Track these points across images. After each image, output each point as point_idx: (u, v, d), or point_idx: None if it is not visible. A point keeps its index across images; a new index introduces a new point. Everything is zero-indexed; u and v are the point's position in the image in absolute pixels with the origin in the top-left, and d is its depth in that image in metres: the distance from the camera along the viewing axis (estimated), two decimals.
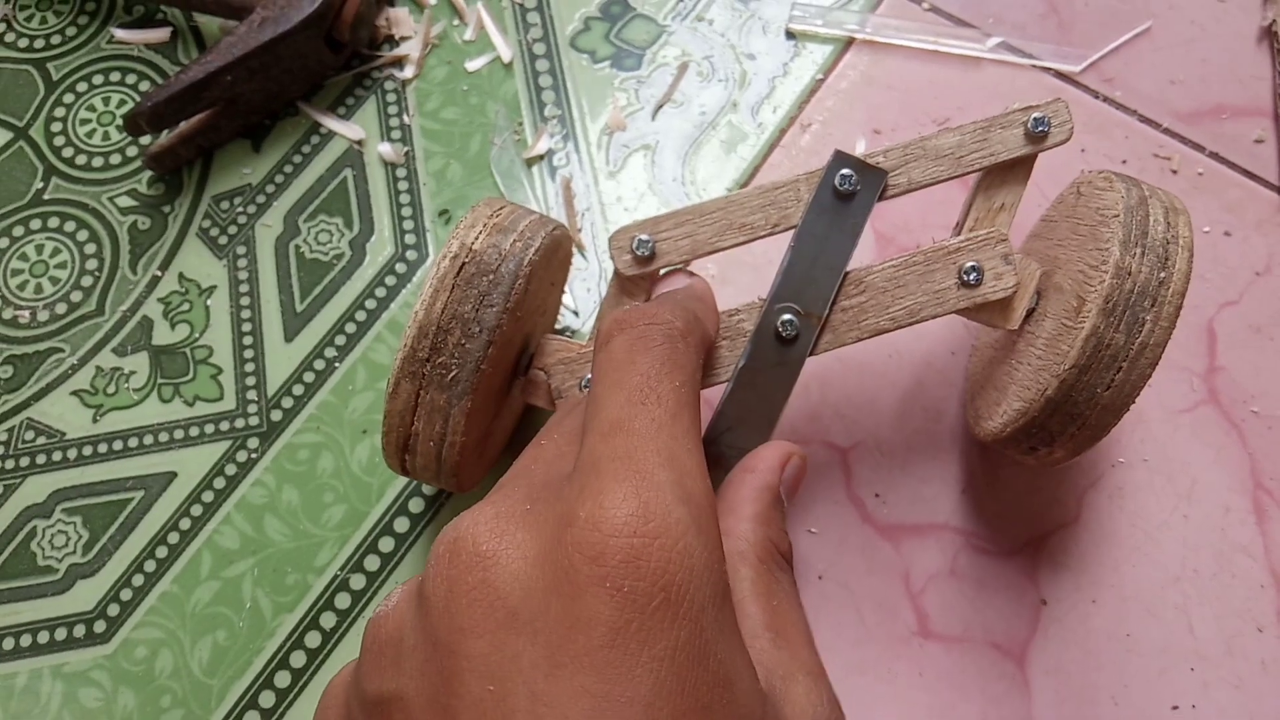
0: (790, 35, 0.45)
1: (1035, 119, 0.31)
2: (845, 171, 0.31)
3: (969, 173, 0.32)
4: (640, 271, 0.32)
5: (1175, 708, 0.35)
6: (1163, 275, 0.28)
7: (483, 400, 0.30)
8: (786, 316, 0.30)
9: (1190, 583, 0.36)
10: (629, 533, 0.20)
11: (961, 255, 0.31)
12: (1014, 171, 0.32)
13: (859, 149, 0.43)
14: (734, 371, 0.31)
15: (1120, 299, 0.28)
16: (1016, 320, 0.32)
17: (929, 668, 0.35)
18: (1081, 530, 0.37)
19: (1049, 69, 0.44)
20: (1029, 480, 0.37)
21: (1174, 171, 0.41)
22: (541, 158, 0.43)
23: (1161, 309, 0.28)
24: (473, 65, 0.45)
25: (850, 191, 0.31)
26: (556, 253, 0.33)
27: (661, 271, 0.32)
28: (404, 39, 0.46)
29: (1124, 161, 0.42)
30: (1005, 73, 0.44)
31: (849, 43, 0.45)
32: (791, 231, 0.32)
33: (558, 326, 0.40)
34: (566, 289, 0.41)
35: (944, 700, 0.35)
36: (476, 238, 0.30)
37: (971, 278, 0.30)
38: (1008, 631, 0.36)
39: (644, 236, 0.32)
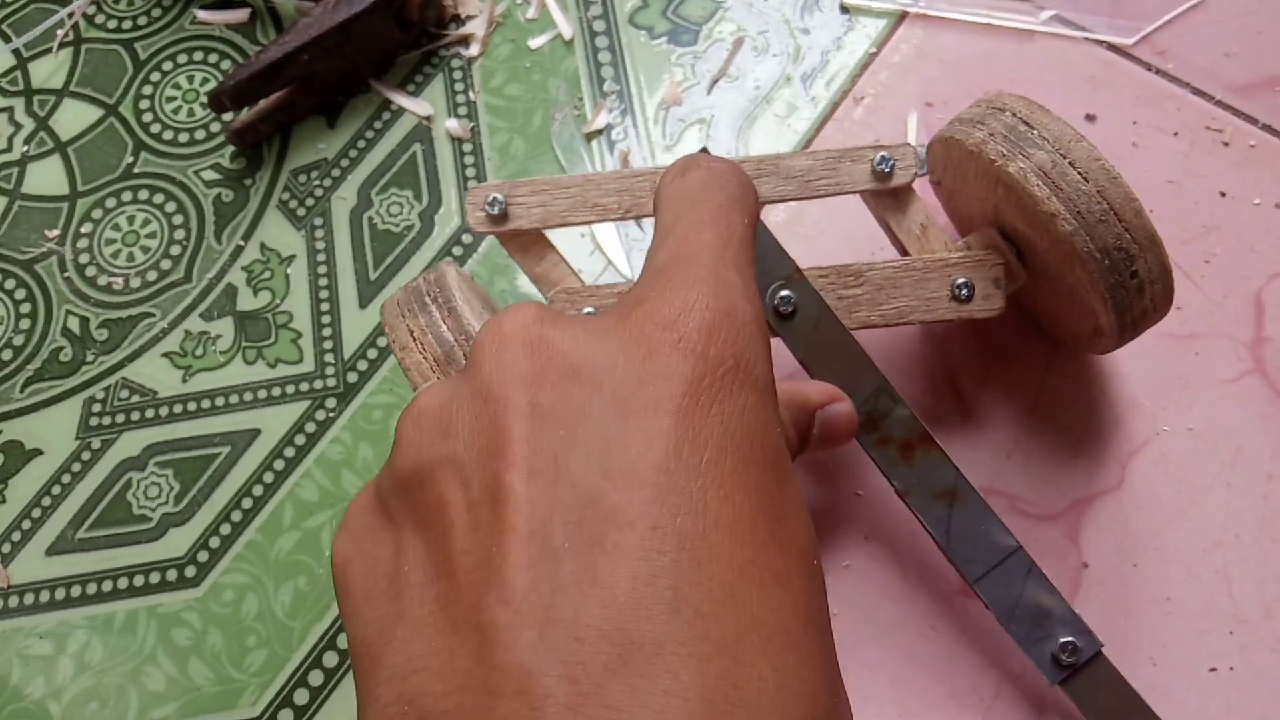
0: (844, 9, 0.46)
1: (881, 157, 0.33)
2: None
3: (815, 197, 0.33)
4: (490, 230, 0.33)
5: (1213, 669, 0.36)
6: (1005, 114, 0.33)
7: None
8: (782, 293, 0.32)
9: (1231, 548, 0.37)
10: (702, 307, 0.20)
11: (957, 270, 0.32)
12: (901, 199, 0.34)
13: (911, 122, 0.43)
14: None
15: (1005, 145, 0.32)
16: (1021, 272, 0.34)
17: (970, 625, 0.37)
18: (1125, 496, 0.38)
19: (1102, 41, 0.44)
20: (1073, 446, 0.38)
21: (1226, 144, 0.42)
22: (600, 132, 0.45)
23: (1032, 118, 0.32)
24: (535, 43, 0.47)
25: None
26: (473, 298, 0.33)
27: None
28: (470, 18, 0.48)
29: (1175, 134, 0.42)
30: (1058, 45, 0.44)
31: (902, 16, 0.46)
32: (643, 219, 0.33)
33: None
34: (617, 250, 0.42)
35: (986, 656, 0.36)
36: (421, 360, 0.30)
37: (963, 293, 0.32)
38: None
39: (498, 196, 0.33)
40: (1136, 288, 0.32)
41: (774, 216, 0.42)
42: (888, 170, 0.33)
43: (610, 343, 0.21)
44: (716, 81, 0.45)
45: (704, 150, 0.33)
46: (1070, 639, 0.31)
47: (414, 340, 0.31)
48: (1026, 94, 0.43)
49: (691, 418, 0.19)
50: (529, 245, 0.34)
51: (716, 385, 0.20)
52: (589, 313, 0.32)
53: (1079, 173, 0.31)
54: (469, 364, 0.22)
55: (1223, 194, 0.41)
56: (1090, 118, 0.43)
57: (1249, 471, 0.38)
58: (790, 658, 0.18)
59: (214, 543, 0.40)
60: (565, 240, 0.43)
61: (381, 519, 0.22)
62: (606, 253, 0.43)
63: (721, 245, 0.23)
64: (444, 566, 0.19)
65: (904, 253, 0.34)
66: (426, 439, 0.21)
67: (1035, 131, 0.32)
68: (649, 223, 0.43)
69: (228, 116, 0.47)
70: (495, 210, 0.33)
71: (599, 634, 0.17)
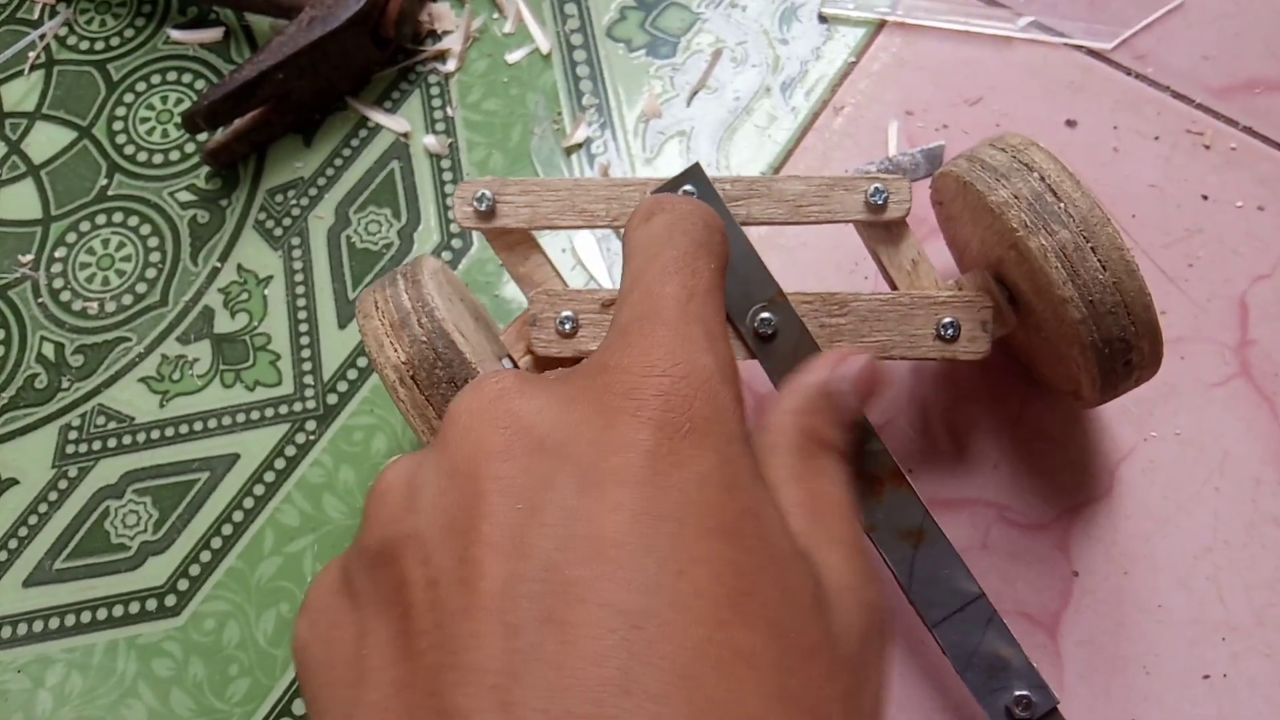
0: (823, 19, 0.46)
1: (875, 189, 0.33)
2: (686, 188, 0.32)
3: (805, 223, 0.33)
4: (477, 225, 0.33)
5: (1206, 677, 0.35)
6: (1034, 176, 0.31)
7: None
8: (763, 315, 0.31)
9: (1221, 554, 0.37)
10: (659, 372, 0.20)
11: (944, 310, 0.32)
12: (895, 233, 0.34)
13: (892, 131, 0.43)
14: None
15: (1030, 215, 0.30)
16: (1011, 318, 0.33)
17: None
18: (1114, 503, 0.38)
19: (1080, 46, 0.44)
20: (1061, 454, 0.38)
21: (1207, 147, 0.42)
22: (580, 146, 0.45)
23: (1061, 189, 0.31)
24: (512, 57, 0.47)
25: (697, 198, 0.32)
26: (443, 282, 0.33)
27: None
28: (446, 33, 0.47)
29: (1156, 138, 0.42)
30: (1037, 51, 0.44)
31: (881, 25, 0.45)
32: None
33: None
34: (599, 264, 0.42)
35: None
36: (395, 350, 0.30)
37: (948, 333, 0.32)
38: (1040, 603, 0.37)
39: (487, 192, 0.33)
40: (1126, 372, 0.32)
41: (756, 229, 0.42)
42: (881, 203, 0.33)
43: (574, 413, 0.20)
44: (696, 93, 0.45)
45: (695, 166, 0.32)
46: (1026, 693, 0.30)
47: (376, 309, 0.31)
48: (1007, 101, 0.43)
49: (651, 488, 0.19)
50: (515, 244, 0.34)
51: (675, 452, 0.20)
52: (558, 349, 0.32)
53: (1099, 260, 0.30)
54: (439, 436, 0.21)
55: (1205, 197, 0.41)
56: (1070, 123, 0.43)
57: (1237, 476, 0.37)
58: None
59: (194, 570, 0.40)
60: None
61: (344, 599, 0.21)
62: (588, 267, 0.42)
63: (686, 297, 0.23)
64: (404, 649, 0.19)
65: (893, 286, 0.34)
66: (391, 514, 0.21)
67: (1062, 206, 0.30)
68: None
69: (202, 137, 0.47)
70: (483, 206, 0.33)
71: (549, 719, 0.17)
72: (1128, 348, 0.31)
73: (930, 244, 0.39)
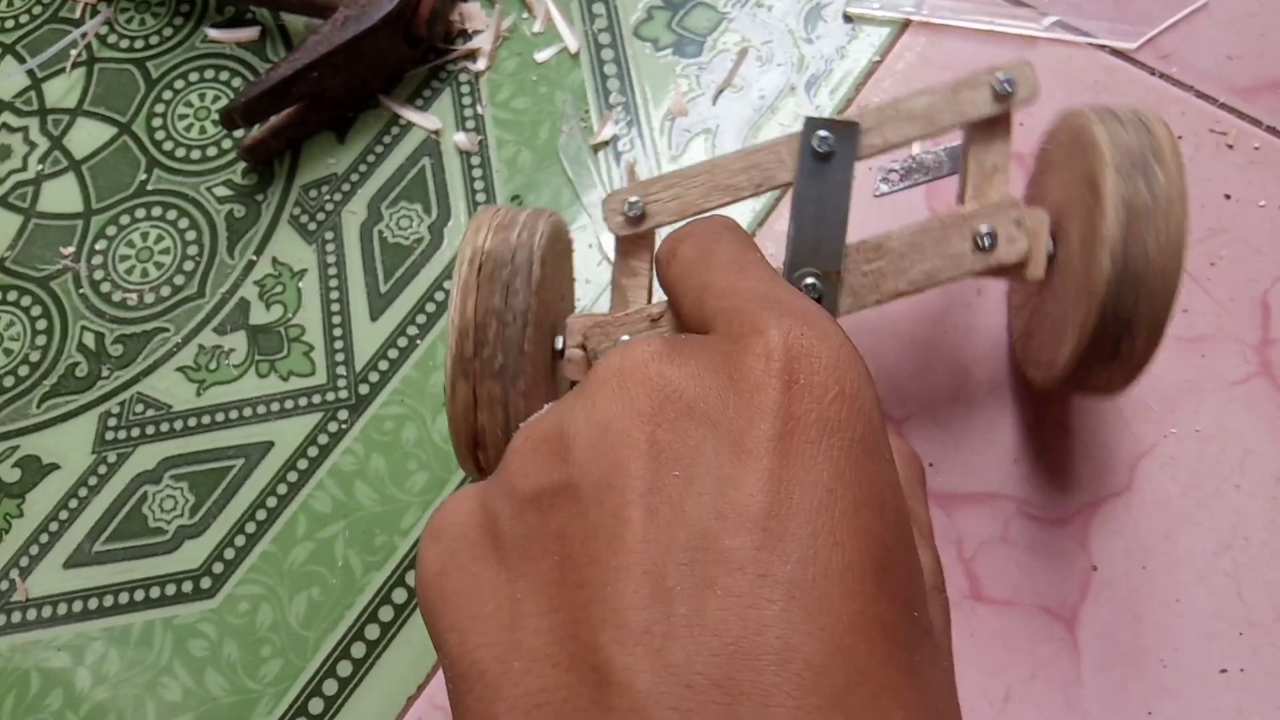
0: (848, 19, 0.46)
1: (1000, 79, 0.33)
2: (821, 133, 0.32)
3: (940, 131, 0.33)
4: (631, 231, 0.33)
5: (1224, 671, 0.36)
6: (1151, 140, 0.31)
7: (533, 384, 0.32)
8: (808, 280, 0.31)
9: (1241, 550, 0.37)
10: (795, 335, 0.20)
11: (976, 220, 0.32)
12: (995, 131, 0.33)
13: None
14: None
15: (1125, 160, 0.30)
16: (1040, 269, 0.33)
17: (980, 629, 0.37)
18: (1133, 498, 0.38)
19: (1105, 46, 0.44)
20: (1082, 449, 0.39)
21: (1230, 146, 0.42)
22: (607, 143, 0.46)
23: (1165, 160, 0.30)
24: (541, 56, 0.48)
25: (828, 152, 0.32)
26: (559, 239, 0.35)
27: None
28: (476, 33, 0.48)
29: (1180, 137, 0.42)
30: (1061, 51, 0.44)
31: (905, 25, 0.46)
32: (774, 192, 0.33)
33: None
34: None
35: (995, 661, 0.36)
36: (485, 240, 0.32)
37: (986, 242, 0.32)
38: (1058, 596, 0.37)
39: (634, 199, 0.33)
40: (1110, 356, 0.32)
41: (780, 224, 0.43)
42: (1008, 92, 0.33)
43: (722, 378, 0.21)
44: (721, 92, 0.46)
45: (854, 125, 0.33)
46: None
47: (494, 212, 0.33)
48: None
49: (801, 456, 0.19)
50: (634, 256, 0.34)
51: (823, 418, 0.20)
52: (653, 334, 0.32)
53: (1156, 238, 0.30)
54: (586, 392, 0.22)
55: (1228, 196, 0.41)
56: None
57: (1257, 474, 0.38)
58: (895, 715, 0.18)
59: (229, 554, 0.41)
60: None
61: (488, 538, 0.22)
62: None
63: (769, 282, 0.23)
64: (560, 598, 0.19)
65: (962, 195, 0.34)
66: (544, 462, 0.21)
67: (1158, 172, 0.30)
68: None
69: (239, 133, 0.48)
70: (633, 212, 0.33)
71: (709, 682, 0.17)
72: (1128, 330, 0.31)
73: None
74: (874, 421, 0.20)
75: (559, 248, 0.35)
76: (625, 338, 0.32)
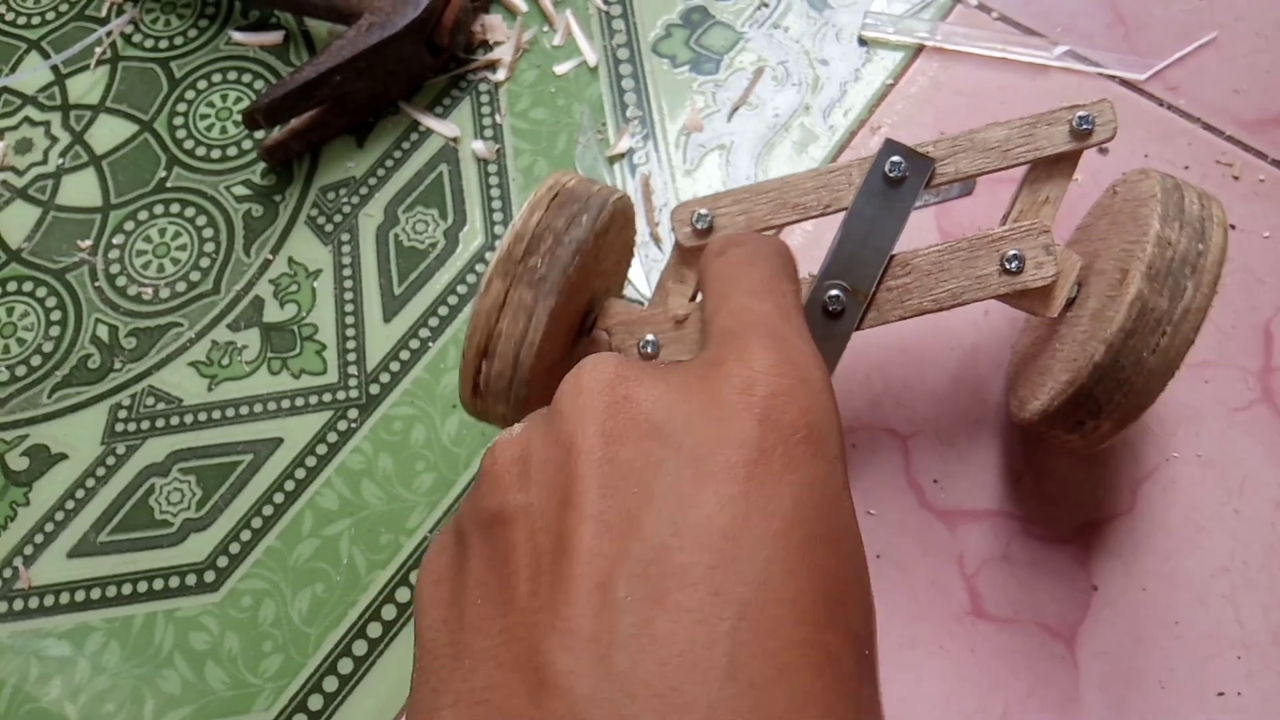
0: (863, 42, 0.47)
1: (1080, 117, 0.33)
2: (895, 159, 0.33)
3: (1014, 165, 0.33)
4: (698, 243, 0.34)
5: (1221, 694, 0.36)
6: (1200, 246, 0.31)
7: (561, 315, 0.32)
8: (834, 292, 0.32)
9: (1239, 574, 0.37)
10: (777, 374, 0.21)
11: (1005, 243, 0.32)
12: (1059, 166, 0.34)
13: None
14: None
15: (1162, 266, 0.30)
16: (1057, 308, 0.33)
17: (980, 645, 0.37)
18: (1134, 520, 0.38)
19: (1114, 77, 0.45)
20: (1084, 470, 0.39)
21: (1235, 178, 0.43)
22: (623, 156, 0.46)
23: (1202, 276, 0.30)
24: (561, 69, 0.48)
25: (900, 177, 0.33)
26: (626, 220, 0.35)
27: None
28: (497, 44, 0.49)
29: (1186, 167, 0.43)
30: (1071, 80, 0.45)
31: (919, 50, 0.47)
32: (842, 213, 0.33)
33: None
34: (637, 270, 0.43)
35: (994, 677, 0.37)
36: (570, 179, 0.33)
37: (1013, 265, 0.32)
38: (1058, 614, 0.37)
39: (703, 211, 0.34)
40: (1074, 426, 0.33)
41: (794, 237, 0.43)
42: (1088, 128, 0.33)
43: (691, 403, 0.21)
44: (737, 109, 0.47)
45: (930, 162, 0.33)
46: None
47: (559, 182, 0.33)
48: None
49: (763, 486, 0.20)
50: (685, 265, 0.35)
51: (789, 454, 0.20)
52: (650, 344, 0.33)
53: (1159, 343, 0.30)
54: (552, 412, 0.22)
55: (1233, 226, 0.42)
56: (1103, 150, 0.44)
57: (1257, 499, 0.38)
58: None
59: (234, 548, 0.41)
60: None
61: (459, 548, 0.23)
62: (632, 281, 0.43)
63: (781, 314, 0.24)
64: (510, 604, 0.20)
65: (1006, 215, 0.35)
66: (508, 482, 0.22)
67: (1189, 285, 0.30)
68: (668, 244, 0.44)
69: (260, 134, 0.48)
70: (702, 225, 0.34)
71: (652, 692, 0.18)
72: (1095, 413, 0.32)
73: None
74: (836, 468, 0.21)
75: (626, 227, 0.36)
76: (651, 337, 0.33)
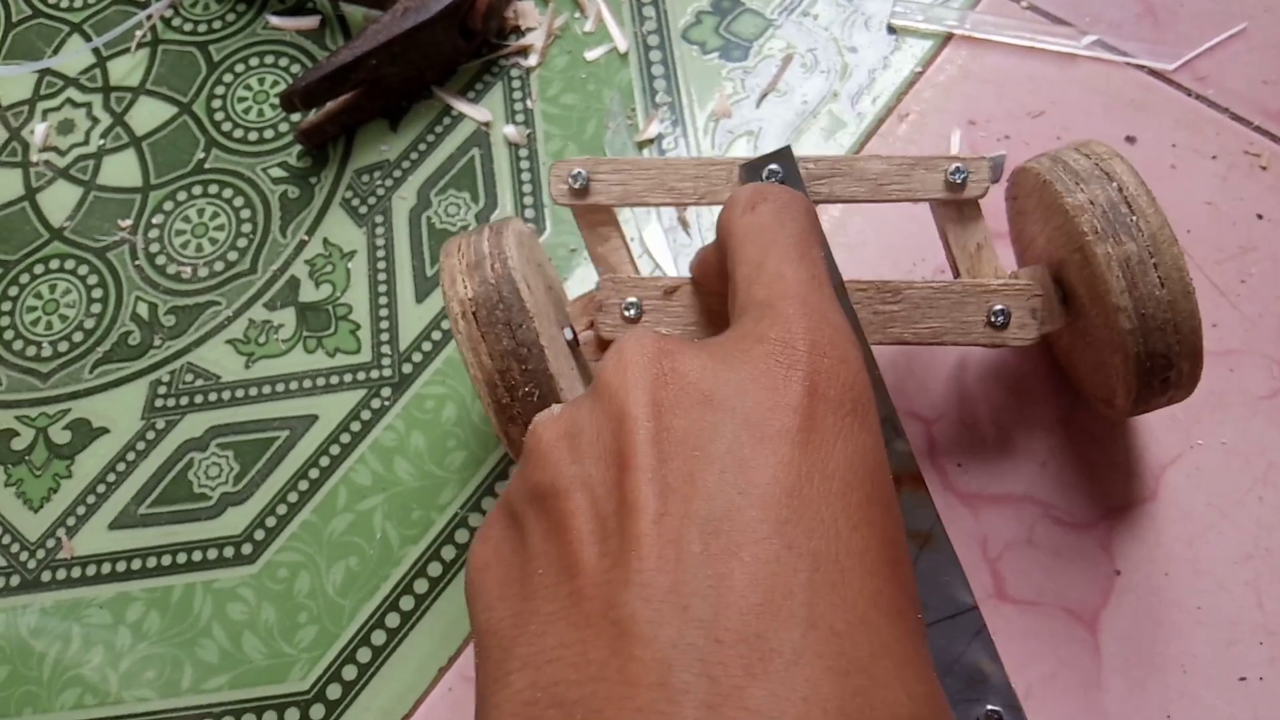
0: (891, 30, 0.48)
1: (955, 168, 0.33)
2: (773, 166, 0.33)
3: (885, 201, 0.34)
4: (571, 202, 0.34)
5: (1243, 679, 0.36)
6: (1114, 184, 0.32)
7: (563, 372, 0.33)
8: None
9: (1262, 561, 0.37)
10: (820, 351, 0.22)
11: (996, 297, 0.33)
12: (966, 215, 0.34)
13: (954, 139, 0.45)
14: None
15: (1102, 223, 0.32)
16: (1059, 318, 0.34)
17: (1003, 628, 0.37)
18: (1158, 506, 0.39)
19: (1143, 66, 0.45)
20: (1108, 456, 0.39)
21: (1264, 168, 0.43)
22: (652, 141, 0.47)
23: (1137, 203, 0.32)
24: (591, 55, 0.49)
25: (780, 182, 0.33)
26: (525, 244, 0.35)
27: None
28: (529, 30, 0.50)
29: (1214, 157, 0.43)
30: (1100, 69, 0.45)
31: (948, 38, 0.47)
32: (719, 207, 0.33)
33: None
34: (664, 253, 0.44)
35: (1016, 660, 0.37)
36: (464, 288, 0.32)
37: (998, 320, 0.33)
38: (1081, 598, 0.38)
39: (582, 171, 0.34)
40: (1161, 388, 0.33)
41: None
42: (960, 181, 0.34)
43: (739, 373, 0.22)
44: (765, 96, 0.47)
45: (786, 149, 0.33)
46: (998, 709, 0.31)
47: (457, 250, 0.33)
48: (1068, 115, 0.44)
49: (819, 450, 0.21)
50: (599, 224, 0.35)
51: (839, 425, 0.21)
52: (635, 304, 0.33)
53: (1159, 276, 0.31)
54: (596, 388, 0.23)
55: (1260, 216, 0.42)
56: (1130, 139, 0.44)
57: None
58: (920, 688, 0.19)
59: (270, 522, 0.42)
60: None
61: (512, 529, 0.23)
62: (655, 256, 0.44)
63: (813, 280, 0.24)
64: (576, 566, 0.20)
65: (955, 267, 0.35)
66: (559, 457, 0.22)
67: (1134, 219, 0.31)
68: (695, 228, 0.45)
69: (296, 117, 0.49)
70: (577, 184, 0.34)
71: (738, 638, 0.18)
72: (1168, 365, 0.32)
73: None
74: (880, 441, 0.22)
75: (529, 254, 0.36)
76: (634, 300, 0.33)
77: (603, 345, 0.34)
